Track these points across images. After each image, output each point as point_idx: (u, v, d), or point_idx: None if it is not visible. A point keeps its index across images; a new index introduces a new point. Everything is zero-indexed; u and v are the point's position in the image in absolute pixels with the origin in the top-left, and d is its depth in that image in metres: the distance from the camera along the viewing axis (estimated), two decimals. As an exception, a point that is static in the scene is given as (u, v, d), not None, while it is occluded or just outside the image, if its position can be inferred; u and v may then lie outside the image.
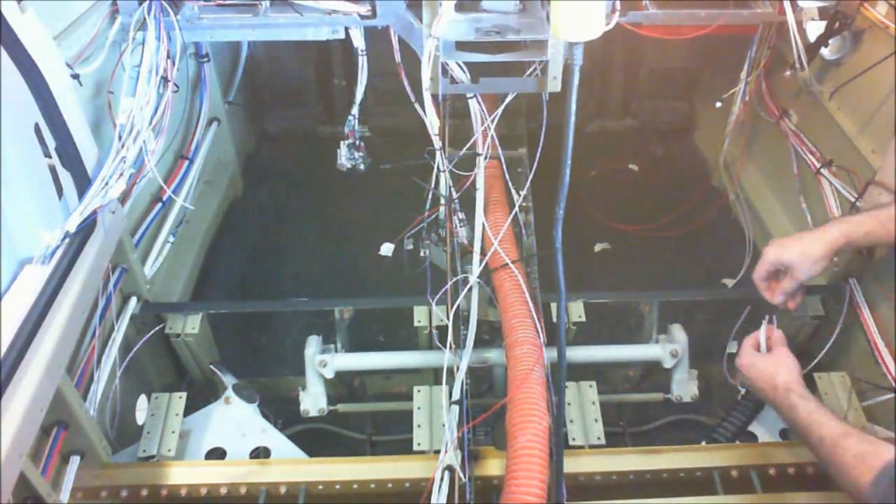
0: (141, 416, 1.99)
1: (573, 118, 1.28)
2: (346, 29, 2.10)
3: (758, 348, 1.69)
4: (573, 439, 1.82)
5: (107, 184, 1.75)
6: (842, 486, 1.36)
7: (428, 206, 2.16)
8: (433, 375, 2.06)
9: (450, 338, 1.80)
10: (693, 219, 2.95)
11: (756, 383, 1.63)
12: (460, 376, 1.72)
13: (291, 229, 3.09)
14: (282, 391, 2.26)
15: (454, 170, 2.01)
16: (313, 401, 2.06)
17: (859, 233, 1.70)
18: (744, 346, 1.71)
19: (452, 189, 2.04)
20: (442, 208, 2.16)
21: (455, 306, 1.85)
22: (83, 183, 1.73)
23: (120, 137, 1.81)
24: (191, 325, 2.10)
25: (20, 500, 1.39)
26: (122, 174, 1.79)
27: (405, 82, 1.95)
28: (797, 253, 1.70)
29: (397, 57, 1.99)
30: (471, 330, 1.80)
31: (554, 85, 1.76)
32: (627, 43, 3.30)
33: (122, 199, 1.93)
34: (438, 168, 2.01)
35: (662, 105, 3.57)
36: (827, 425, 1.42)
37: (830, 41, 2.22)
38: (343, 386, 2.22)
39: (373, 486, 1.69)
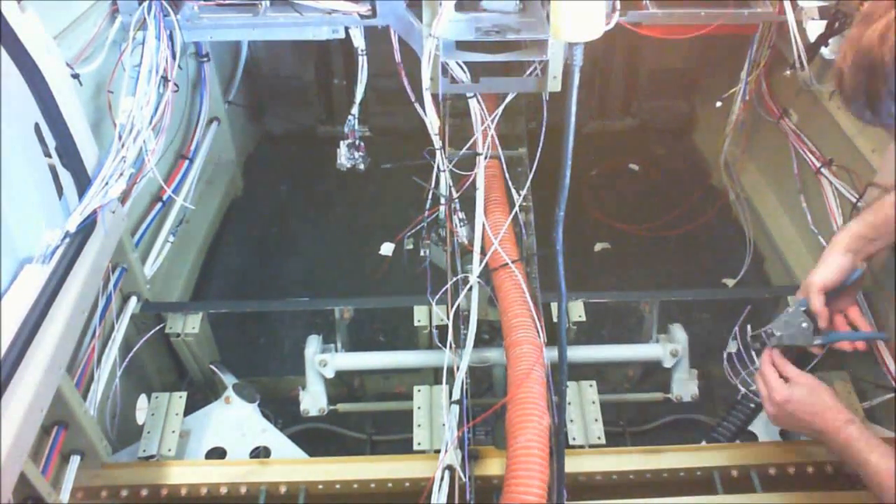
0: (141, 416, 1.99)
1: (573, 118, 1.28)
2: (346, 29, 2.10)
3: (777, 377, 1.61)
4: (573, 439, 1.82)
5: (107, 183, 1.75)
6: None
7: (428, 206, 2.16)
8: (433, 375, 2.06)
9: (450, 337, 1.80)
10: (693, 219, 2.95)
11: (799, 419, 1.55)
12: (460, 376, 1.72)
13: (291, 229, 3.09)
14: (282, 391, 2.26)
15: (454, 169, 2.01)
16: (313, 400, 2.06)
17: (869, 233, 1.64)
18: (769, 378, 1.61)
19: (452, 189, 2.04)
20: (442, 208, 2.16)
21: (455, 306, 1.85)
22: (83, 182, 1.73)
23: (120, 137, 1.81)
24: (191, 325, 2.10)
25: (20, 499, 1.39)
26: (122, 174, 1.79)
27: (405, 82, 1.95)
28: (813, 271, 1.66)
29: (397, 57, 1.99)
30: (471, 330, 1.80)
31: (554, 85, 1.76)
32: (627, 43, 3.30)
33: (122, 198, 1.93)
34: (438, 168, 2.01)
35: (662, 105, 3.56)
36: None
37: (830, 41, 2.22)
38: (343, 385, 2.22)
39: (373, 486, 1.69)
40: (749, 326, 1.79)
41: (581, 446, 1.81)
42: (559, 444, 1.50)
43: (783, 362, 1.63)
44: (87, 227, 1.69)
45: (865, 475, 1.40)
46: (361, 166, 2.43)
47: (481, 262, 1.91)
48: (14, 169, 1.50)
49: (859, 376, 2.00)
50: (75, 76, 1.75)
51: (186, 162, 2.53)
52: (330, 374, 2.04)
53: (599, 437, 1.84)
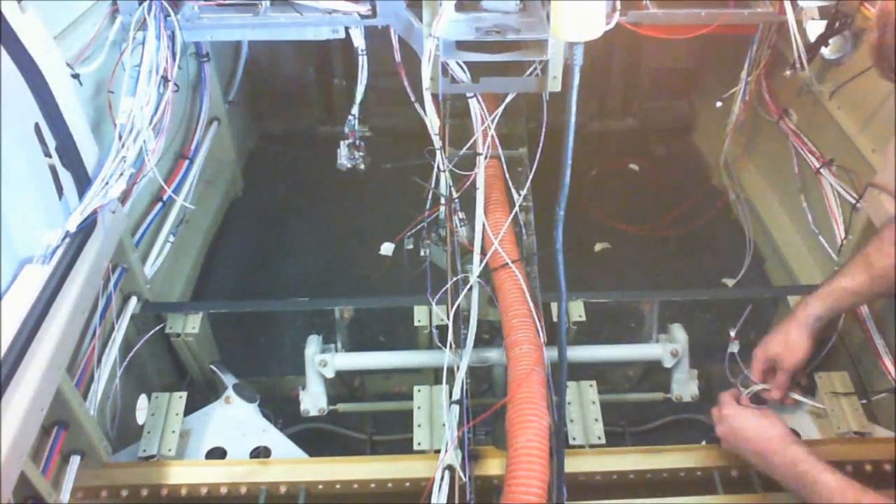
0: (141, 416, 1.99)
1: (573, 118, 1.28)
2: (347, 28, 2.10)
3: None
4: (573, 439, 1.82)
5: (107, 183, 1.75)
6: None
7: (428, 206, 2.16)
8: (433, 375, 2.05)
9: (450, 337, 1.80)
10: (693, 219, 2.95)
11: (743, 432, 1.59)
12: (460, 376, 1.72)
13: (291, 229, 3.09)
14: (282, 391, 2.26)
15: (454, 169, 2.01)
16: (313, 400, 2.06)
17: (844, 301, 1.74)
18: (721, 401, 1.69)
19: (452, 189, 2.04)
20: (442, 208, 2.16)
21: (455, 306, 1.85)
22: (83, 183, 1.73)
23: (120, 137, 1.81)
24: (191, 325, 2.09)
25: (20, 499, 1.39)
26: (122, 174, 1.79)
27: (405, 82, 1.95)
28: (781, 345, 1.75)
29: (397, 57, 1.99)
30: (471, 329, 1.80)
31: (554, 85, 1.76)
32: (627, 43, 3.30)
33: (123, 198, 1.93)
34: (438, 168, 2.01)
35: (662, 105, 3.57)
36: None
37: (830, 41, 2.22)
38: (343, 386, 2.22)
39: (373, 486, 1.69)
40: (733, 351, 1.86)
41: (581, 446, 1.81)
42: (559, 444, 1.50)
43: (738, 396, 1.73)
44: (87, 227, 1.69)
45: (816, 494, 1.39)
46: (361, 166, 2.43)
47: (481, 262, 1.91)
48: (14, 169, 1.49)
49: (859, 376, 2.00)
50: (75, 76, 1.75)
51: (186, 162, 2.52)
52: (330, 374, 2.04)
53: (599, 437, 1.83)
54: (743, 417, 1.61)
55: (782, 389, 1.79)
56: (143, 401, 2.04)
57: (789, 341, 1.74)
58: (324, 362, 2.03)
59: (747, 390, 1.76)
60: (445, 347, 1.78)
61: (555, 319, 1.96)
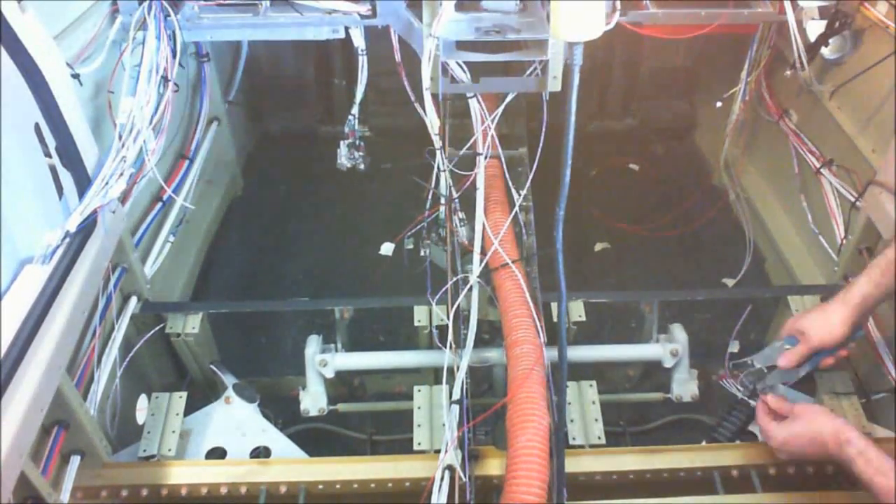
0: (141, 416, 1.99)
1: (573, 118, 1.28)
2: (347, 28, 2.10)
3: (774, 417, 1.62)
4: (573, 439, 1.82)
5: (107, 183, 1.75)
6: None
7: (428, 206, 2.16)
8: (433, 375, 2.05)
9: (450, 337, 1.80)
10: (693, 219, 2.95)
11: (805, 451, 1.53)
12: (460, 376, 1.72)
13: (291, 229, 3.09)
14: (282, 391, 2.26)
15: (454, 169, 2.01)
16: (313, 400, 2.06)
17: (878, 292, 1.61)
18: (765, 427, 1.62)
19: (452, 189, 2.05)
20: (442, 208, 2.16)
21: (455, 306, 1.85)
22: (83, 183, 1.73)
23: (120, 137, 1.81)
24: (191, 325, 2.10)
25: (21, 499, 1.39)
26: (122, 174, 1.79)
27: (405, 82, 1.95)
28: (815, 320, 1.65)
29: (397, 56, 1.99)
30: (471, 329, 1.80)
31: (554, 84, 1.76)
32: (627, 43, 3.30)
33: (123, 198, 1.93)
34: (438, 168, 2.02)
35: (662, 105, 3.57)
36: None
37: (831, 41, 2.22)
38: (343, 385, 2.22)
39: (373, 485, 1.69)
40: (733, 351, 1.81)
41: (581, 446, 1.81)
42: (559, 444, 1.50)
43: (779, 403, 1.64)
44: (87, 227, 1.69)
45: (874, 495, 1.36)
46: (361, 166, 2.44)
47: (481, 262, 1.91)
48: (14, 169, 1.50)
49: (859, 376, 2.00)
50: (75, 76, 1.75)
51: (186, 162, 2.52)
52: (330, 374, 2.04)
53: (599, 437, 1.83)
54: (790, 438, 1.55)
55: (793, 362, 1.67)
56: (143, 401, 2.04)
57: (825, 318, 1.63)
58: (324, 362, 2.03)
59: (761, 385, 1.74)
60: (445, 347, 1.78)
61: (555, 319, 1.96)
